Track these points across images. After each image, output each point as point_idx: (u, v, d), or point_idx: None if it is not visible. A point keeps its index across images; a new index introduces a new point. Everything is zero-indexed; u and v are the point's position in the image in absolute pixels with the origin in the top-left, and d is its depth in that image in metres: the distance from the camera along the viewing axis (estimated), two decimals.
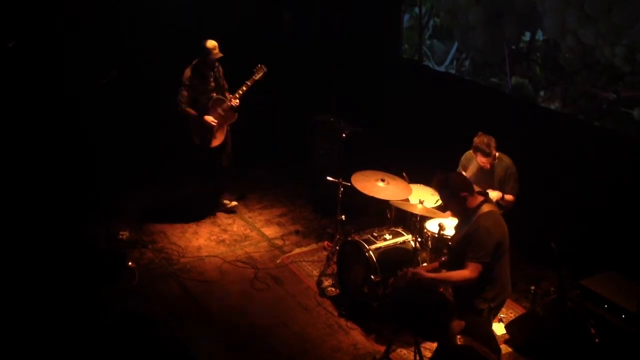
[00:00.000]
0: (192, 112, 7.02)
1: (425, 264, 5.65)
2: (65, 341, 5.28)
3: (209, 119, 7.01)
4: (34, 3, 7.79)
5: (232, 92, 7.07)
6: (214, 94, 7.07)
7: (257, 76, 6.98)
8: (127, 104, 8.04)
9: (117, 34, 8.19)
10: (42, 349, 5.21)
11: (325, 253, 6.69)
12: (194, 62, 7.02)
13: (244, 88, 6.96)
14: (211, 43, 6.89)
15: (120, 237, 6.79)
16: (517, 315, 5.80)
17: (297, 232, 7.26)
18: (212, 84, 7.09)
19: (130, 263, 6.37)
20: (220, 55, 6.94)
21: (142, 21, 8.41)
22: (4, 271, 6.02)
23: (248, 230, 7.23)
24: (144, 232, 7.07)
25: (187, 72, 7.02)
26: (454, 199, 4.65)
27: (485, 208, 4.64)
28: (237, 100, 6.99)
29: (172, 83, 8.57)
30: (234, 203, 7.63)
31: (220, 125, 7.09)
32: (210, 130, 7.06)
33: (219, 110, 7.04)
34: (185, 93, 7.00)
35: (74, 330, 5.41)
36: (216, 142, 7.17)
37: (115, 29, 8.20)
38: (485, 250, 4.53)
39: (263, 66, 7.01)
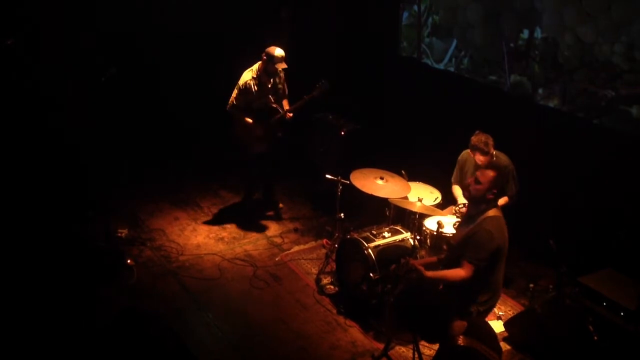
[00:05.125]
0: (242, 116, 6.86)
1: (422, 256, 5.68)
2: (65, 340, 5.28)
3: (259, 127, 6.89)
4: (33, 1, 7.78)
5: (291, 98, 6.97)
6: (269, 99, 6.91)
7: (317, 92, 6.78)
8: (126, 102, 8.03)
9: (116, 32, 8.19)
10: (41, 347, 5.20)
11: (324, 251, 6.69)
12: (254, 68, 6.83)
13: (301, 102, 6.83)
14: (279, 52, 6.68)
15: (119, 234, 6.78)
16: (515, 312, 5.81)
17: (296, 230, 7.25)
18: (270, 90, 6.92)
19: (129, 261, 6.37)
20: (285, 66, 6.74)
21: (142, 19, 8.41)
22: (2, 270, 6.01)
23: (247, 228, 7.22)
24: (142, 229, 7.06)
25: (245, 77, 6.82)
26: (487, 187, 4.64)
27: (491, 212, 4.66)
28: (291, 115, 6.90)
29: (172, 81, 8.62)
30: (281, 205, 7.66)
31: (266, 134, 6.96)
32: (256, 137, 6.94)
33: (272, 119, 6.92)
34: (239, 97, 6.83)
35: (73, 328, 5.41)
36: (260, 149, 7.04)
37: (115, 27, 8.19)
38: (483, 253, 4.56)
39: (326, 83, 6.78)
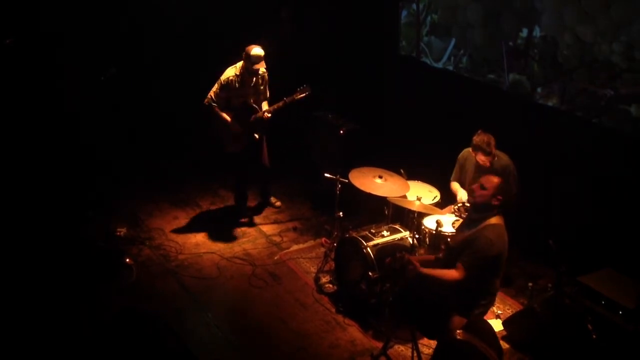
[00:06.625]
0: (220, 113, 6.85)
1: (421, 254, 5.70)
2: (64, 339, 5.28)
3: (236, 125, 6.88)
4: (33, 0, 7.78)
5: (272, 101, 6.95)
6: (250, 99, 6.89)
7: (298, 96, 6.76)
8: (126, 102, 8.03)
9: (117, 31, 8.19)
10: (41, 347, 5.20)
11: (323, 250, 6.69)
12: (237, 65, 6.81)
13: (280, 104, 6.81)
14: (256, 51, 6.64)
15: (118, 233, 6.78)
16: (514, 311, 5.81)
17: (294, 229, 7.25)
18: (251, 90, 6.90)
19: (127, 260, 6.36)
20: (262, 68, 6.72)
21: (142, 19, 8.41)
22: (2, 270, 6.01)
23: (246, 227, 7.23)
24: (141, 228, 7.06)
25: (228, 72, 6.80)
26: (492, 193, 4.69)
27: (494, 220, 4.70)
28: (269, 115, 6.87)
29: (172, 81, 8.62)
30: (279, 203, 7.64)
31: (243, 133, 6.94)
32: (233, 135, 6.93)
33: (248, 118, 6.91)
34: (219, 92, 6.81)
35: (72, 328, 5.41)
36: (234, 149, 7.03)
37: (115, 26, 8.19)
38: (480, 259, 4.61)
39: (308, 87, 6.75)
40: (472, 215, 4.94)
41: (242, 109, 6.90)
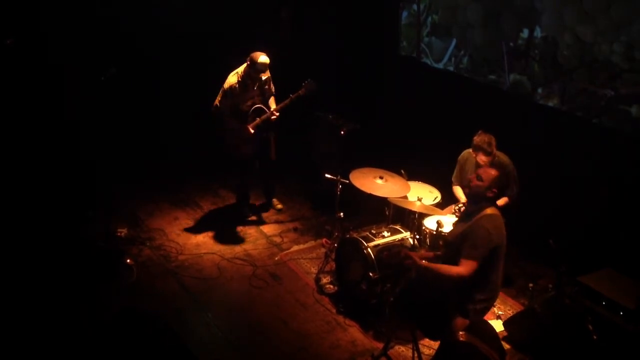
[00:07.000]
0: (233, 121, 6.84)
1: (422, 251, 5.70)
2: (64, 339, 5.28)
3: (247, 129, 6.86)
4: (33, 1, 7.78)
5: (279, 96, 6.94)
6: (256, 100, 6.89)
7: (301, 91, 6.72)
8: (126, 102, 8.03)
9: (117, 31, 8.18)
10: (41, 347, 5.20)
11: (323, 250, 6.69)
12: (239, 70, 6.80)
13: (287, 102, 6.77)
14: (262, 59, 6.63)
15: (119, 234, 6.78)
16: (515, 312, 5.81)
17: (295, 230, 7.25)
18: (255, 92, 6.89)
19: (128, 260, 6.36)
20: (267, 75, 6.74)
21: (142, 19, 8.41)
22: (3, 270, 6.01)
23: (246, 228, 7.23)
24: (142, 229, 7.06)
25: (230, 80, 6.79)
26: (488, 185, 4.68)
27: (489, 210, 4.68)
28: (277, 114, 6.85)
29: (172, 81, 8.61)
30: (280, 206, 7.63)
31: (253, 136, 6.92)
32: (244, 140, 6.92)
33: (257, 120, 6.89)
34: (224, 100, 6.79)
35: (72, 328, 5.41)
36: (246, 151, 7.03)
37: (115, 26, 8.19)
38: (481, 250, 4.56)
39: (312, 82, 6.73)
40: (468, 208, 4.92)
41: (250, 112, 6.89)
